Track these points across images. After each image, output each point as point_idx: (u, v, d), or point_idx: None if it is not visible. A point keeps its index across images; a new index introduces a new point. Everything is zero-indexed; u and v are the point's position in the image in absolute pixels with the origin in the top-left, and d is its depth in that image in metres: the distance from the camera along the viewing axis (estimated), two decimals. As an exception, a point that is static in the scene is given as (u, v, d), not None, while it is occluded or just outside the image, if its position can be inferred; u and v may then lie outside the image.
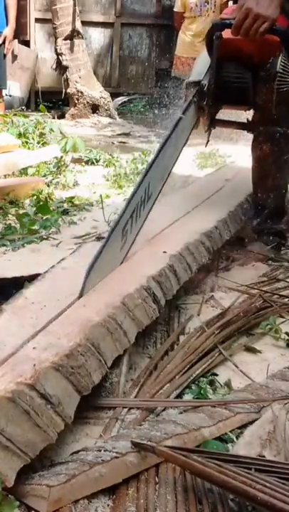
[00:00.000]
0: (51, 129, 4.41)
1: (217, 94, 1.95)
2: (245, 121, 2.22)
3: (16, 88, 7.35)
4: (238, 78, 1.93)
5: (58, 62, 7.12)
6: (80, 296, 1.34)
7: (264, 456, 1.09)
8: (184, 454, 0.97)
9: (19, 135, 4.21)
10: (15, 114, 4.68)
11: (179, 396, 1.35)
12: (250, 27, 1.68)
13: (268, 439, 1.13)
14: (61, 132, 4.49)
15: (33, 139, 4.24)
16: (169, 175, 1.84)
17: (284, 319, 1.79)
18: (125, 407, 1.27)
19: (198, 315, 1.79)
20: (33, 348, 1.10)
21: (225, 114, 2.26)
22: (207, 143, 2.31)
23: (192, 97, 1.95)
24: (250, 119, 2.18)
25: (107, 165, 4.12)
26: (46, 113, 5.01)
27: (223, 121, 2.21)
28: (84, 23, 7.41)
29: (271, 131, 2.07)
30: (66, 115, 7.19)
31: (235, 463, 0.96)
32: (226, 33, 1.79)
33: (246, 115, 2.22)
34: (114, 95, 8.00)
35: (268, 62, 1.90)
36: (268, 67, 1.90)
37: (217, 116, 2.19)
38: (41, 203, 2.85)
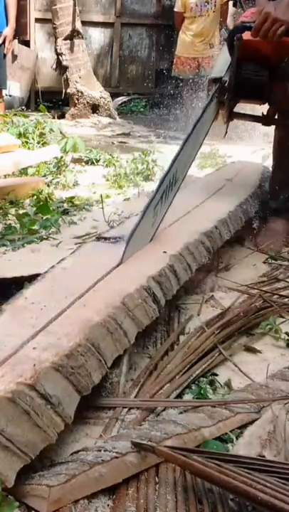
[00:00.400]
0: (51, 129, 4.41)
1: (236, 90, 2.14)
2: (260, 114, 2.40)
3: (16, 88, 7.35)
4: (256, 76, 2.11)
5: (58, 62, 7.13)
6: (120, 263, 1.53)
7: (264, 456, 1.09)
8: (184, 454, 0.97)
9: (19, 135, 4.21)
10: (15, 114, 4.68)
11: (179, 396, 1.35)
12: (268, 30, 1.88)
13: (267, 439, 1.13)
14: (61, 132, 4.49)
15: (33, 139, 4.24)
16: (192, 162, 2.07)
17: (284, 319, 1.79)
18: (125, 407, 1.27)
19: (198, 315, 1.79)
20: (33, 348, 1.10)
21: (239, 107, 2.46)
22: (225, 134, 2.49)
23: (214, 91, 2.14)
24: (264, 113, 2.38)
25: (107, 165, 4.12)
26: (46, 113, 5.01)
27: (241, 114, 2.40)
28: (84, 23, 7.41)
29: (286, 124, 2.36)
30: (66, 115, 7.20)
31: (235, 463, 0.96)
32: (246, 35, 1.98)
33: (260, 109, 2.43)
34: (114, 95, 8.00)
35: (284, 62, 2.10)
36: (284, 66, 2.11)
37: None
38: (41, 203, 2.85)
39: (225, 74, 2.17)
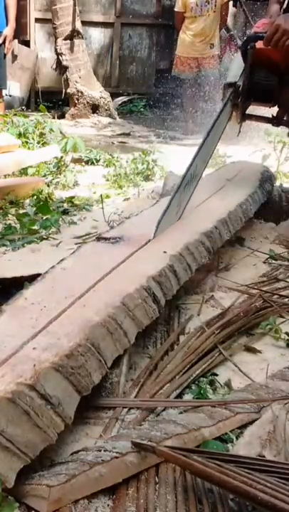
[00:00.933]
0: (51, 129, 4.41)
1: (249, 94, 2.37)
2: (270, 116, 2.62)
3: (16, 88, 7.35)
4: (267, 81, 2.34)
5: (58, 62, 7.12)
6: (153, 237, 1.77)
7: (264, 456, 1.09)
8: (184, 454, 0.97)
9: (19, 135, 4.21)
10: (15, 114, 4.68)
11: (179, 396, 1.35)
12: (278, 40, 2.09)
13: (267, 439, 1.13)
14: (61, 132, 4.48)
15: (33, 139, 4.24)
16: (210, 158, 2.33)
17: (284, 319, 1.79)
18: (125, 407, 1.27)
19: (198, 315, 1.79)
20: (33, 348, 1.10)
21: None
22: (239, 133, 2.72)
23: (229, 95, 2.38)
24: (274, 114, 2.60)
25: (107, 165, 4.12)
26: (46, 113, 5.00)
27: (253, 115, 2.64)
28: (84, 23, 7.41)
29: None
30: (66, 115, 7.19)
31: (235, 463, 0.96)
32: (259, 44, 2.21)
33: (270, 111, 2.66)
34: (114, 95, 8.00)
35: None
36: None
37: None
38: (41, 203, 2.85)
39: (239, 79, 2.39)
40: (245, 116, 2.55)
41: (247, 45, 2.27)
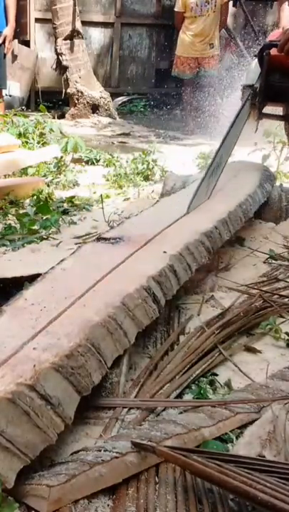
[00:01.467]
0: (51, 129, 4.41)
1: (265, 95, 2.68)
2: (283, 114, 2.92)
3: (16, 88, 7.35)
4: (281, 83, 2.63)
5: (58, 62, 7.12)
6: (187, 213, 2.09)
7: (264, 456, 1.09)
8: (184, 454, 0.97)
9: (19, 135, 4.21)
10: (15, 114, 4.68)
11: (179, 396, 1.35)
12: None
13: (267, 439, 1.13)
14: (61, 132, 4.49)
15: (33, 139, 4.24)
16: (232, 150, 2.62)
17: (284, 319, 1.79)
18: (125, 407, 1.27)
19: (198, 315, 1.79)
20: (33, 348, 1.10)
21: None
22: (256, 130, 2.97)
23: (247, 96, 2.68)
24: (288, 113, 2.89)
25: (107, 165, 4.12)
26: (46, 113, 5.00)
27: (268, 114, 2.93)
28: (84, 23, 7.41)
29: None
30: (66, 115, 7.19)
31: (235, 463, 0.96)
32: (273, 51, 2.53)
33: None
34: (114, 95, 8.00)
35: None
36: None
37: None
38: (41, 203, 2.85)
39: (256, 82, 2.69)
40: (261, 115, 2.85)
41: (263, 52, 2.60)
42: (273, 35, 2.86)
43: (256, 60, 2.70)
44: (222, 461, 0.96)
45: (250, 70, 2.92)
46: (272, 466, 0.98)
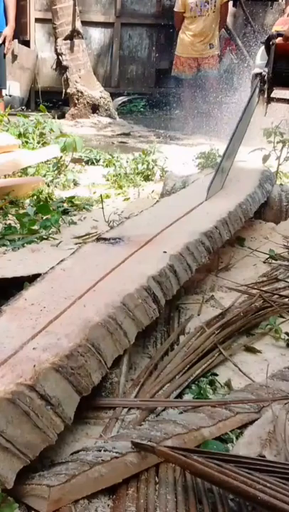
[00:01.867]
0: (51, 129, 4.40)
1: (273, 81, 2.94)
2: None
3: (15, 88, 7.35)
4: (287, 70, 2.87)
5: (58, 62, 7.12)
6: (206, 200, 2.25)
7: (264, 456, 1.09)
8: (184, 454, 0.97)
9: (19, 135, 4.20)
10: (14, 114, 4.67)
11: (179, 396, 1.35)
12: None
13: (268, 439, 1.13)
14: (61, 132, 4.48)
15: (33, 139, 4.23)
16: (244, 135, 2.77)
17: (284, 319, 1.79)
18: (125, 407, 1.27)
19: (198, 315, 1.79)
20: (33, 348, 1.10)
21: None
22: (265, 113, 3.17)
23: (257, 82, 2.92)
24: None
25: (107, 165, 4.12)
26: (46, 113, 4.99)
27: (277, 98, 3.17)
28: (84, 23, 7.40)
29: None
30: (66, 115, 7.19)
31: (235, 463, 0.96)
32: (279, 40, 2.76)
33: None
34: (114, 95, 7.99)
35: None
36: None
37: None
38: (41, 203, 2.85)
39: (264, 69, 2.94)
40: (270, 99, 3.10)
41: (269, 41, 2.86)
42: (279, 23, 3.08)
43: (263, 48, 2.95)
44: (222, 461, 0.96)
45: (257, 58, 3.24)
46: (272, 466, 0.98)
